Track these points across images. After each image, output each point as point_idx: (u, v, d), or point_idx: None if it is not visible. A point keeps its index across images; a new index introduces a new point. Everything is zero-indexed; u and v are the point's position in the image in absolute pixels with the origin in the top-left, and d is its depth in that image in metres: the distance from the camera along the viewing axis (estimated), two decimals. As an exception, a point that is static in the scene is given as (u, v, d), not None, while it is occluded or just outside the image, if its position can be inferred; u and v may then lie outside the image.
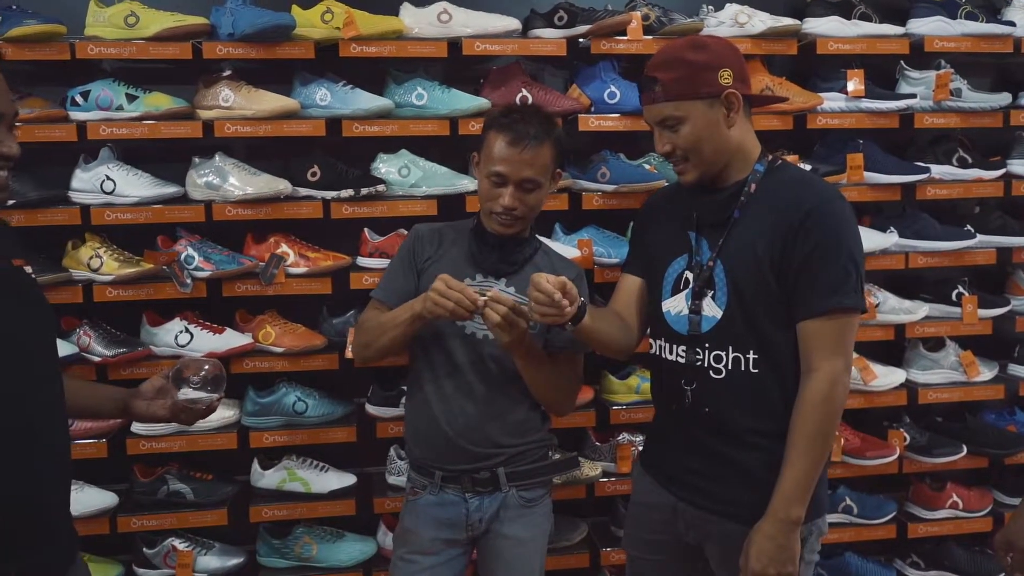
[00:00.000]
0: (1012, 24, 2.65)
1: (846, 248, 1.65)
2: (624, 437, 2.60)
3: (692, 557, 1.83)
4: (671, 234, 1.82)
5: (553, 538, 2.46)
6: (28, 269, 1.59)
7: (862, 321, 2.59)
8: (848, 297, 1.64)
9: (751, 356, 1.70)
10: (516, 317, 1.73)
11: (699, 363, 1.74)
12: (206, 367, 1.71)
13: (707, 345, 1.73)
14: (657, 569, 1.90)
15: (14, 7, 2.27)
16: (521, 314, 1.74)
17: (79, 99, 2.33)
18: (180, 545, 2.43)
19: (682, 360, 1.76)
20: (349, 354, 2.40)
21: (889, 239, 2.62)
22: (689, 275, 1.77)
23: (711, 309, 1.73)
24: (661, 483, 1.84)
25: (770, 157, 1.76)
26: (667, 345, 1.80)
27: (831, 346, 1.65)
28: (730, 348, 1.71)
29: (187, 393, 1.68)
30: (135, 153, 2.43)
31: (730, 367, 1.71)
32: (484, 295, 1.73)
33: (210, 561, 2.45)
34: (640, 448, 2.00)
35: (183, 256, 2.36)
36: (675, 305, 1.78)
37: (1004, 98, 2.68)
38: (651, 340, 1.87)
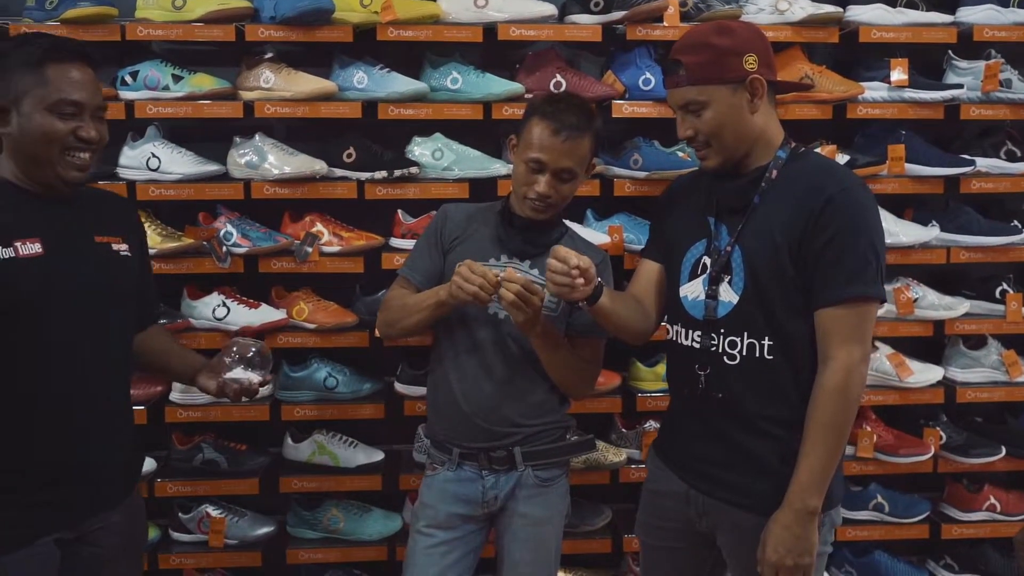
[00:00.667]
0: (1069, 12, 2.55)
1: (866, 236, 1.63)
2: (651, 424, 2.60)
3: (705, 545, 1.83)
4: (690, 219, 1.82)
5: (576, 522, 2.50)
6: (117, 246, 1.76)
7: (900, 317, 2.57)
8: (868, 286, 1.62)
9: (766, 342, 1.69)
10: (529, 295, 1.75)
11: (714, 348, 1.73)
12: (253, 350, 1.83)
13: (722, 330, 1.72)
14: (669, 556, 1.90)
15: (70, -10, 2.37)
16: (534, 292, 1.76)
17: (128, 79, 2.42)
18: (213, 512, 2.52)
19: (697, 345, 1.76)
20: (379, 333, 2.45)
21: (930, 233, 2.56)
22: (707, 260, 1.76)
23: (727, 294, 1.72)
24: (674, 470, 1.84)
25: (792, 144, 1.75)
26: (683, 330, 1.80)
27: (849, 335, 1.62)
28: (745, 334, 1.70)
29: (232, 372, 1.80)
30: (180, 132, 2.52)
31: (744, 353, 1.70)
32: (499, 275, 1.75)
33: (242, 528, 2.53)
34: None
35: (222, 232, 2.44)
36: (692, 290, 1.78)
37: (1057, 90, 2.59)
38: (668, 325, 1.87)
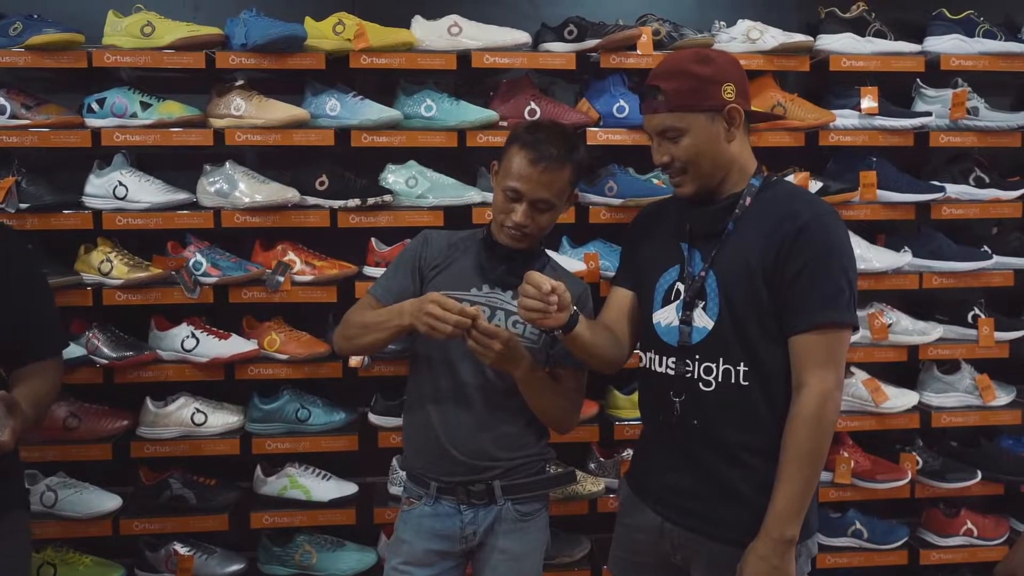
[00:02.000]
0: (1032, 43, 2.61)
1: (839, 263, 1.63)
2: (628, 453, 2.57)
3: None
4: (663, 246, 1.81)
5: (554, 554, 2.46)
6: None
7: (874, 342, 2.58)
8: (840, 312, 1.62)
9: (741, 368, 1.68)
10: (491, 341, 1.73)
11: (689, 374, 1.72)
12: None
13: (697, 357, 1.71)
14: None
15: (35, 16, 2.33)
16: (495, 336, 1.73)
17: (95, 106, 2.37)
18: (181, 549, 2.44)
19: (672, 372, 1.74)
20: (353, 363, 2.42)
21: (903, 258, 2.58)
22: (680, 286, 1.75)
23: (702, 320, 1.71)
24: (647, 503, 1.81)
25: (765, 172, 1.75)
26: (657, 357, 1.78)
27: (822, 361, 1.62)
28: (720, 360, 1.69)
29: None
30: (148, 160, 2.47)
31: (720, 379, 1.69)
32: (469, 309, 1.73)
33: (211, 566, 2.46)
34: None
35: (191, 262, 2.39)
36: (665, 316, 1.77)
37: (1023, 117, 2.63)
38: (641, 353, 1.85)
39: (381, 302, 1.93)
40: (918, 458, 2.65)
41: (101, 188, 2.38)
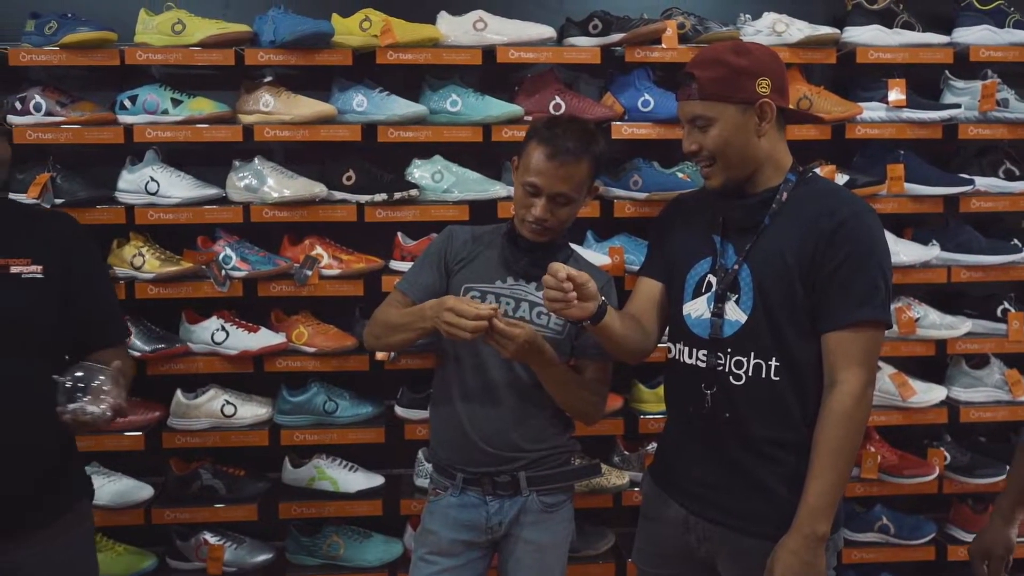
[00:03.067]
0: (1064, 33, 2.57)
1: (876, 261, 1.63)
2: (653, 446, 2.57)
3: (704, 572, 1.80)
4: (694, 237, 1.81)
5: (579, 546, 2.47)
6: (19, 268, 1.69)
7: (902, 336, 2.56)
8: (876, 310, 1.62)
9: (773, 363, 1.67)
10: (504, 340, 1.74)
11: (720, 367, 1.72)
12: (99, 379, 1.62)
13: (729, 350, 1.71)
14: None
15: (69, 15, 2.37)
16: (510, 337, 1.74)
17: (127, 103, 2.41)
18: (211, 539, 2.49)
19: (703, 364, 1.74)
20: (379, 356, 2.44)
21: (931, 252, 2.56)
22: (712, 278, 1.75)
23: (735, 313, 1.70)
24: (672, 496, 1.81)
25: (801, 169, 1.74)
26: (686, 349, 1.78)
27: (856, 359, 1.62)
28: (752, 354, 1.69)
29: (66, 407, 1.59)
30: (178, 156, 2.51)
31: (751, 373, 1.69)
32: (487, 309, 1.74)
33: (240, 555, 2.50)
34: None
35: (221, 256, 2.43)
36: (696, 308, 1.77)
37: (1055, 109, 2.60)
38: (669, 344, 1.85)
39: (408, 297, 1.96)
40: (946, 453, 2.63)
41: (133, 184, 2.43)
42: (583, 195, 1.90)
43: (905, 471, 2.58)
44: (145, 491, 2.45)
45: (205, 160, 2.54)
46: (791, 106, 1.79)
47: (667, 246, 1.88)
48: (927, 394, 2.60)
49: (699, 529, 1.76)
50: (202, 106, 2.42)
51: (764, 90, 1.65)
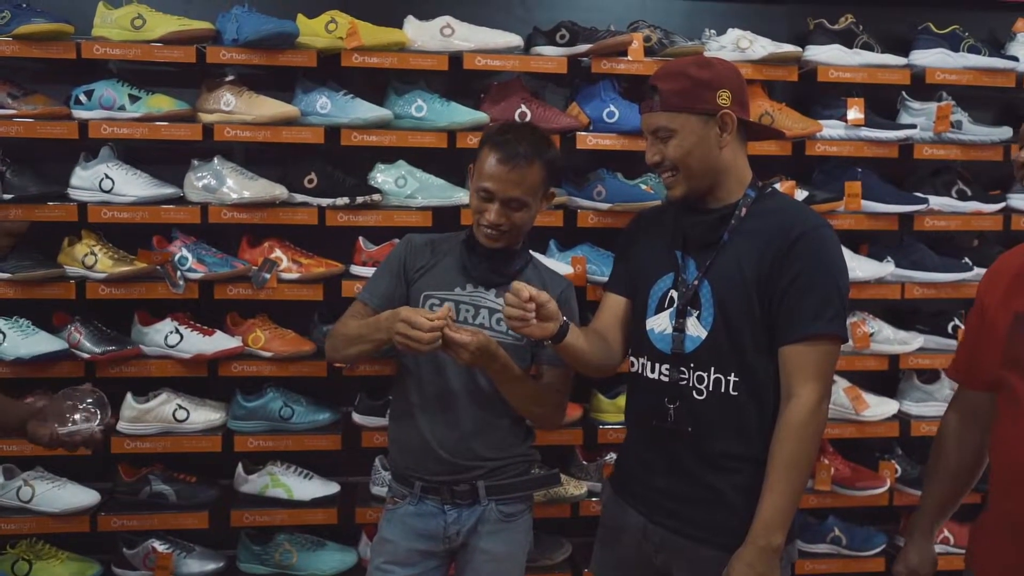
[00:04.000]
0: (1015, 59, 2.65)
1: (831, 276, 1.65)
2: (611, 456, 2.58)
3: None
4: (657, 252, 1.82)
5: (535, 556, 2.46)
6: None
7: (856, 351, 2.61)
8: (830, 324, 1.64)
9: (732, 379, 1.69)
10: (458, 349, 1.74)
11: (683, 382, 1.73)
12: (89, 399, 1.71)
13: (691, 365, 1.72)
14: None
15: (24, 5, 2.31)
16: (463, 346, 1.74)
17: (83, 98, 2.35)
18: (160, 547, 2.42)
19: (665, 379, 1.75)
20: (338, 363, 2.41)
21: (885, 268, 2.61)
22: (674, 294, 1.76)
23: (696, 329, 1.72)
24: (632, 504, 1.82)
25: (760, 184, 1.77)
26: (649, 363, 1.79)
27: (811, 373, 1.63)
28: (712, 369, 1.70)
29: (71, 425, 1.68)
30: (135, 153, 2.46)
31: (711, 388, 1.71)
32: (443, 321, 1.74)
33: (189, 564, 2.44)
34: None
35: (177, 257, 2.38)
36: (659, 323, 1.78)
37: (1005, 132, 2.68)
38: (632, 358, 1.86)
39: (369, 307, 1.95)
40: (897, 466, 2.68)
41: (87, 180, 2.36)
42: (537, 200, 1.90)
43: (858, 483, 2.62)
44: (91, 497, 2.38)
45: (162, 159, 2.49)
46: (753, 120, 1.81)
47: (631, 261, 1.89)
48: (880, 408, 2.65)
49: (657, 537, 1.76)
50: (161, 103, 2.37)
51: (725, 102, 1.68)
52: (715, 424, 1.71)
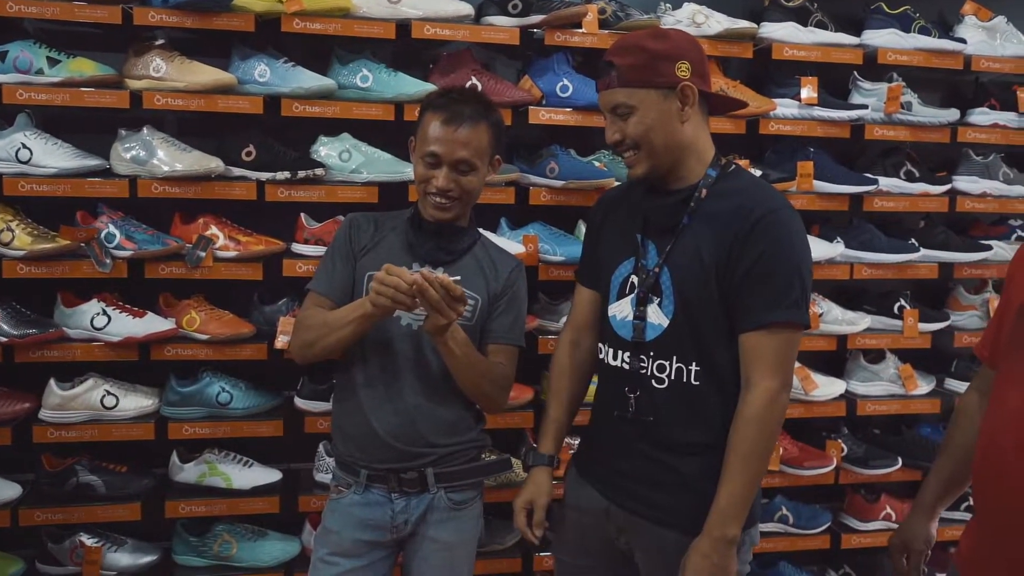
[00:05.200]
0: (963, 41, 2.67)
1: (792, 260, 1.60)
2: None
3: (622, 563, 1.78)
4: (619, 236, 1.77)
5: (485, 541, 2.41)
6: None
7: (805, 331, 2.60)
8: (790, 311, 1.58)
9: (693, 368, 1.65)
10: (451, 299, 1.66)
11: (643, 371, 1.69)
12: None
13: (652, 353, 1.68)
14: (585, 574, 1.85)
15: (-73, -44, 2.11)
16: (457, 296, 1.66)
17: (-5, 60, 2.17)
18: (88, 541, 2.29)
19: (627, 367, 1.71)
20: (279, 344, 2.30)
21: (836, 249, 2.61)
22: (635, 279, 1.71)
23: (657, 317, 1.67)
24: (594, 486, 1.79)
25: (723, 161, 1.71)
26: (612, 350, 1.75)
27: (771, 362, 1.59)
28: (674, 358, 1.66)
29: None
30: (56, 122, 2.29)
31: (672, 377, 1.66)
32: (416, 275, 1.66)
33: (120, 558, 2.31)
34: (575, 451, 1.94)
35: (103, 234, 2.22)
36: (621, 310, 1.73)
37: (952, 114, 2.70)
38: (599, 344, 1.81)
39: (329, 299, 1.84)
40: (843, 445, 2.71)
41: (2, 150, 2.18)
42: (485, 164, 1.83)
43: (805, 463, 2.64)
44: (12, 490, 2.23)
45: (87, 128, 2.32)
46: (714, 92, 1.76)
47: (597, 245, 1.84)
48: (828, 387, 2.67)
49: (619, 519, 1.74)
50: (83, 67, 2.20)
51: (684, 74, 1.61)
52: (677, 413, 1.67)
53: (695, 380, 1.65)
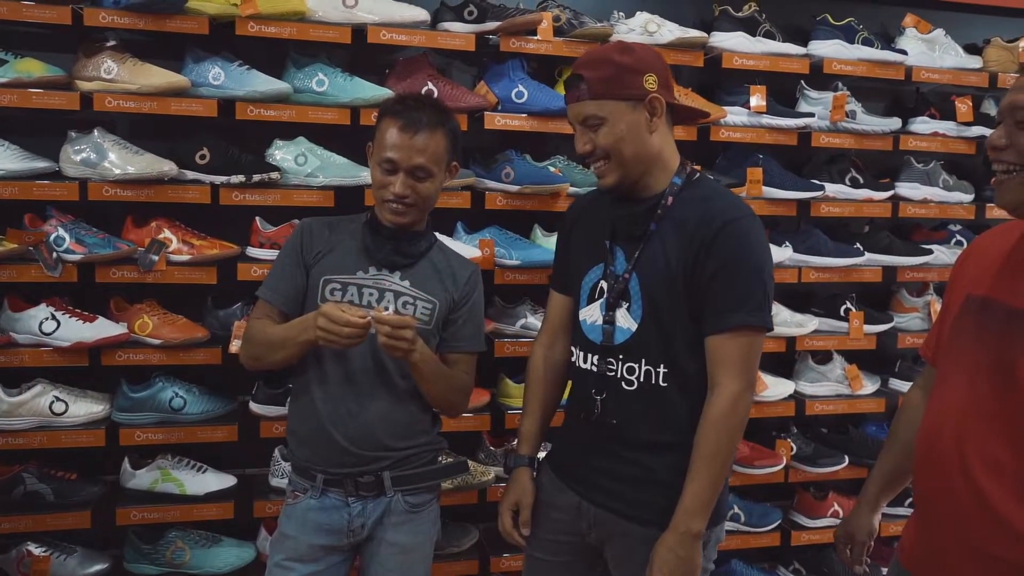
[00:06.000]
0: (904, 52, 2.76)
1: (754, 266, 1.65)
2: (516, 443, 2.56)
3: (593, 558, 1.82)
4: (589, 241, 1.81)
5: (442, 544, 2.42)
6: None
7: (768, 333, 2.67)
8: (753, 315, 1.63)
9: (661, 370, 1.69)
10: (401, 331, 1.69)
11: (612, 374, 1.73)
12: None
13: (621, 356, 1.72)
14: (556, 570, 1.87)
15: None
16: (406, 325, 1.70)
17: (-61, 60, 2.13)
18: (36, 550, 2.25)
19: (595, 369, 1.75)
20: (233, 349, 2.28)
21: (784, 253, 2.68)
22: (604, 285, 1.75)
23: (626, 321, 1.71)
24: (567, 483, 1.82)
25: (688, 169, 1.75)
26: (582, 354, 1.79)
27: (734, 364, 1.64)
28: (643, 361, 1.71)
29: None
30: (3, 123, 2.25)
31: (641, 379, 1.71)
32: (368, 315, 1.67)
33: (70, 567, 2.27)
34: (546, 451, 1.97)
35: (52, 237, 2.19)
36: (591, 314, 1.77)
37: (895, 123, 2.79)
38: (571, 347, 1.85)
39: (274, 306, 1.85)
40: (792, 444, 2.78)
41: (-54, 152, 2.14)
42: (442, 171, 1.85)
43: (756, 462, 2.70)
44: (-44, 499, 2.18)
45: (35, 130, 2.28)
46: (680, 104, 1.80)
47: (568, 250, 1.88)
48: (777, 388, 2.74)
49: (590, 515, 1.77)
50: (31, 68, 2.16)
51: (652, 86, 1.66)
52: (644, 415, 1.71)
53: (663, 382, 1.70)
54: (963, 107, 2.82)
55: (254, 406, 2.38)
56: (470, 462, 2.47)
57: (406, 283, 1.87)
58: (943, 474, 1.48)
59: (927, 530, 1.56)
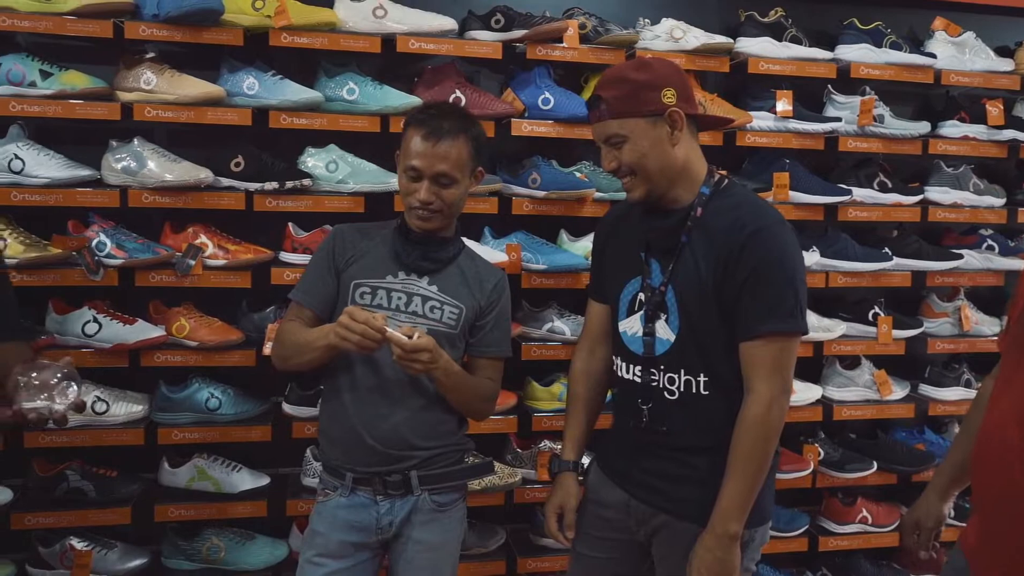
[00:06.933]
0: (933, 56, 2.75)
1: (785, 271, 1.67)
2: (546, 444, 2.59)
3: (641, 556, 1.86)
4: (626, 254, 1.84)
5: (470, 544, 2.46)
6: None
7: (803, 337, 2.66)
8: (784, 321, 1.65)
9: (702, 379, 1.73)
10: (417, 355, 1.74)
11: (654, 384, 1.77)
12: (59, 374, 1.62)
13: (662, 367, 1.76)
14: (604, 567, 1.91)
15: (-79, -28, 2.16)
16: (421, 349, 1.74)
17: (-11, 73, 2.22)
18: (78, 544, 2.32)
19: (638, 380, 1.79)
20: (267, 351, 2.34)
21: (811, 258, 2.68)
22: (643, 297, 1.78)
23: (665, 332, 1.75)
24: (616, 482, 1.86)
25: (716, 177, 1.77)
26: (624, 364, 1.83)
27: (768, 369, 1.66)
28: (682, 371, 1.74)
29: (30, 401, 1.59)
30: (48, 133, 2.33)
31: (682, 389, 1.75)
32: (387, 331, 1.72)
33: (111, 561, 2.35)
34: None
35: (94, 242, 2.27)
36: (631, 326, 1.81)
37: (924, 127, 2.78)
38: (613, 357, 1.88)
39: (305, 307, 1.91)
40: (820, 449, 2.77)
41: (-5, 161, 2.23)
42: (466, 177, 1.88)
43: (783, 466, 2.70)
44: (2, 494, 2.26)
45: (78, 139, 2.37)
46: (702, 114, 1.83)
47: (604, 262, 1.93)
48: (804, 393, 2.73)
49: (639, 513, 1.82)
50: (75, 80, 2.25)
51: (670, 100, 1.68)
52: (688, 423, 1.75)
53: (704, 390, 1.73)
54: (994, 110, 2.80)
55: (287, 407, 2.44)
56: (496, 463, 2.51)
57: (434, 288, 1.91)
58: (1004, 465, 1.47)
59: (985, 521, 1.55)
